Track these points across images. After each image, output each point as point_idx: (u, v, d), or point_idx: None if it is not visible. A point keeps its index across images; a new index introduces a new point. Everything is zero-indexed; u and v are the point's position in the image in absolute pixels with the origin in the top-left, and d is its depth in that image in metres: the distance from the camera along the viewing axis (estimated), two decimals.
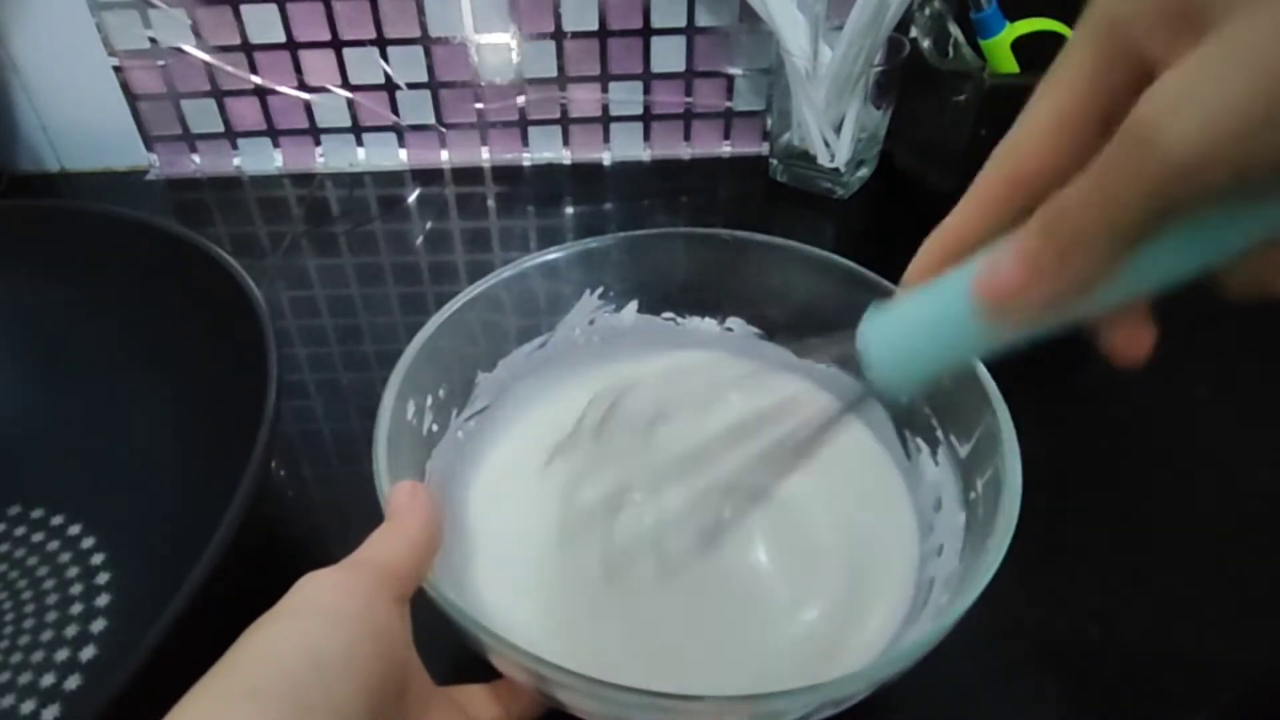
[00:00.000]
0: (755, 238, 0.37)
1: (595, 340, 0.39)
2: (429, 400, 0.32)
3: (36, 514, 0.37)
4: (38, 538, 0.36)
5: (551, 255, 0.36)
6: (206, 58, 0.57)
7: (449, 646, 0.26)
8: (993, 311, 0.19)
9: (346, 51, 0.57)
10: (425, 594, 0.25)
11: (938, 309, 0.22)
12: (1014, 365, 0.33)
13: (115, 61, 0.57)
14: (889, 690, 0.24)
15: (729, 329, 0.39)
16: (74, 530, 0.36)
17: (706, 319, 0.39)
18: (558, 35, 0.57)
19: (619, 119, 0.61)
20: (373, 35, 0.56)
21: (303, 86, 0.58)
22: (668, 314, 0.39)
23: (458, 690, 0.26)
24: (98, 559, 0.35)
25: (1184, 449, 0.39)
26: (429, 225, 0.56)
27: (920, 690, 0.30)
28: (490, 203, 0.59)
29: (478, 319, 0.35)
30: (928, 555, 0.30)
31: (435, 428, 0.33)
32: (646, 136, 0.62)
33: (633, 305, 0.39)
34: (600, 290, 0.38)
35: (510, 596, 0.30)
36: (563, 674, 0.22)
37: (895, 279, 0.34)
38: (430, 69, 0.58)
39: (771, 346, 0.39)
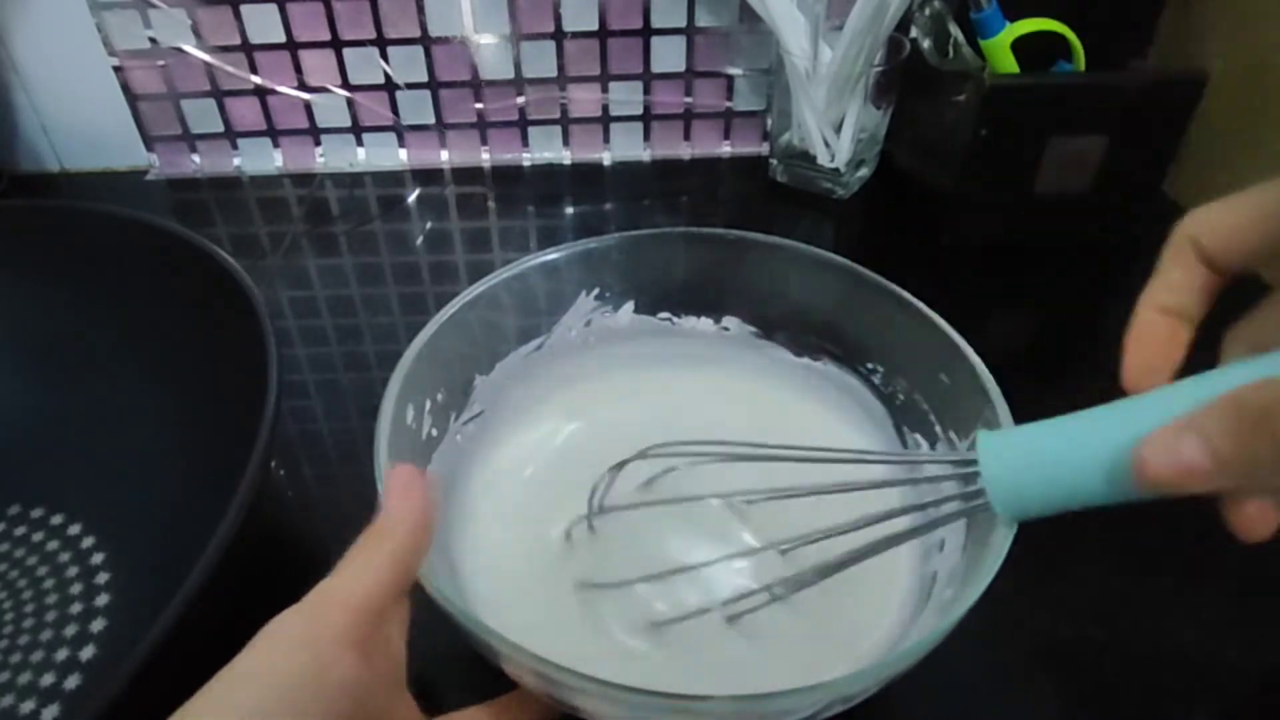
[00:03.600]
0: (750, 236, 0.37)
1: (592, 341, 0.39)
2: (428, 404, 0.32)
3: (36, 514, 0.37)
4: (38, 538, 0.36)
5: (549, 256, 0.36)
6: (206, 58, 0.57)
7: (452, 647, 0.26)
8: (1155, 485, 0.20)
9: (346, 51, 0.57)
10: (435, 603, 0.25)
11: (1077, 456, 0.22)
12: (1012, 361, 0.33)
13: (115, 61, 0.57)
14: (890, 689, 0.24)
15: (725, 329, 0.39)
16: (74, 530, 0.36)
17: (703, 319, 0.39)
18: (558, 35, 0.57)
19: (619, 119, 0.61)
20: (373, 35, 0.56)
21: (303, 86, 0.58)
22: (664, 314, 0.39)
23: (456, 716, 0.26)
24: (98, 559, 0.35)
25: None
26: (429, 225, 0.56)
27: (920, 690, 0.30)
28: (490, 203, 0.59)
29: (476, 321, 0.34)
30: (929, 550, 0.30)
31: (434, 432, 0.33)
32: (646, 136, 0.62)
33: (629, 306, 0.39)
34: (597, 291, 0.38)
35: (513, 600, 0.30)
36: (574, 677, 0.22)
37: (895, 279, 0.35)
38: (430, 69, 0.58)
39: (770, 345, 0.39)
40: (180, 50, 0.56)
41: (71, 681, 0.31)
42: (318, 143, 0.61)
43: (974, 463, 0.24)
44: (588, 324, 0.38)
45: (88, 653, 0.32)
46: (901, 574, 0.31)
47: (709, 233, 0.38)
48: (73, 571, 0.35)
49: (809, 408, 0.37)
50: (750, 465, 0.29)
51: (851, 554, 0.27)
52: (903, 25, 0.51)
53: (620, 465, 0.32)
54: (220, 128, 0.60)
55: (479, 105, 0.60)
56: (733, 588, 0.29)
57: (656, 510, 0.31)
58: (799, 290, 0.37)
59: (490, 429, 0.36)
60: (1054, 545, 0.35)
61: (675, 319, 0.39)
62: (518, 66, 0.58)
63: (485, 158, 0.62)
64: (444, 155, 0.62)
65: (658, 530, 0.31)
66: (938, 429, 0.32)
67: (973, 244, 0.51)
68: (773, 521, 0.30)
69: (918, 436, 0.33)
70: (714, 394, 0.38)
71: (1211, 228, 0.22)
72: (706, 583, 0.30)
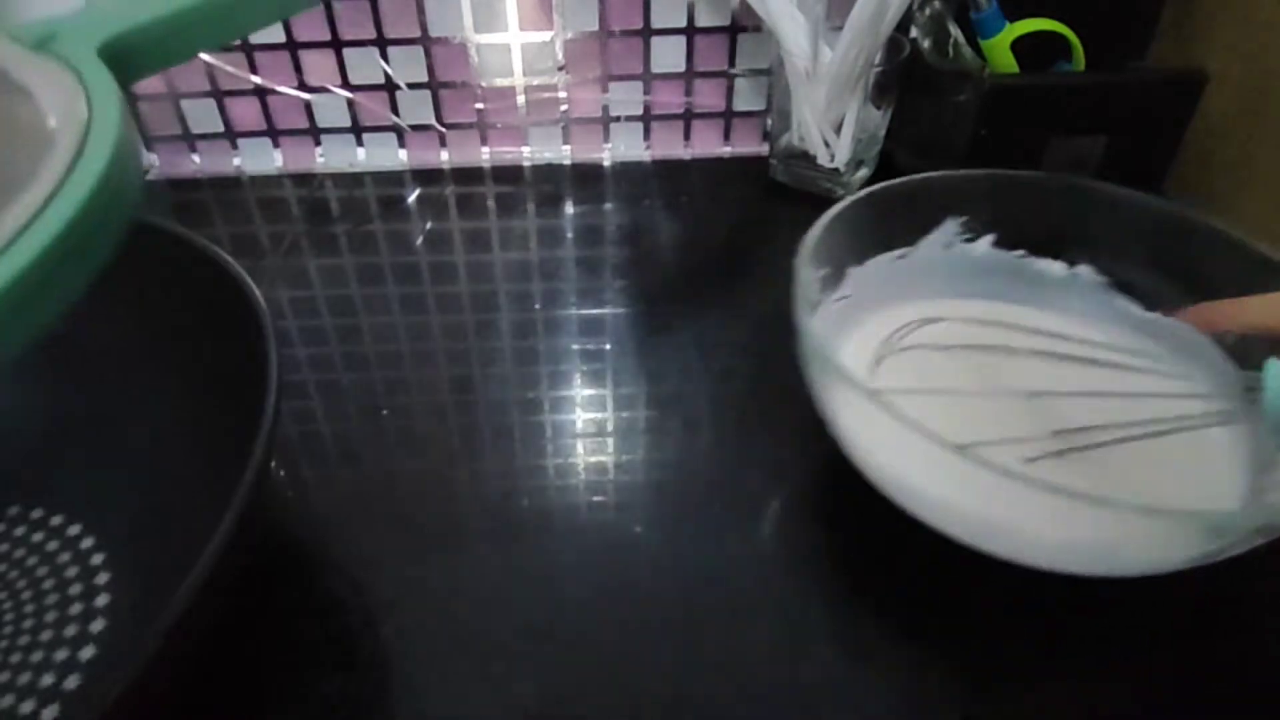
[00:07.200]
0: (1110, 189, 0.39)
1: (949, 263, 0.42)
2: (819, 269, 0.37)
3: (36, 514, 0.37)
4: (37, 538, 0.36)
5: (926, 176, 0.40)
6: (206, 58, 0.57)
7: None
8: None
9: (346, 51, 0.57)
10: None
11: None
12: None
13: None
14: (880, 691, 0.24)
15: (1076, 274, 0.41)
16: (74, 530, 0.36)
17: (1056, 262, 0.41)
18: (558, 35, 0.57)
19: (619, 119, 0.61)
20: (373, 35, 0.56)
21: (303, 86, 0.58)
22: (1020, 251, 0.41)
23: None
24: (97, 559, 0.35)
25: None
26: (429, 225, 0.56)
27: (920, 691, 0.30)
28: (490, 203, 0.59)
29: (860, 218, 0.38)
30: None
31: (817, 295, 0.38)
32: (646, 136, 0.62)
33: (988, 239, 0.41)
34: (964, 220, 0.41)
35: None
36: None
37: None
38: (430, 69, 0.58)
39: (1119, 296, 0.40)
40: None
41: (71, 682, 0.31)
42: (318, 143, 0.61)
43: (1259, 388, 0.29)
44: (947, 247, 0.42)
45: (87, 653, 0.32)
46: None
47: (1075, 180, 0.40)
48: (72, 572, 0.35)
49: (1143, 360, 0.38)
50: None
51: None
52: (903, 25, 0.51)
53: (926, 321, 0.39)
54: (220, 128, 0.60)
55: (479, 105, 0.60)
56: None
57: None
58: (1152, 245, 0.39)
59: (852, 314, 0.40)
60: None
61: (1029, 257, 0.41)
62: (518, 67, 0.58)
63: (485, 158, 0.62)
64: (444, 155, 0.62)
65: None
66: None
67: None
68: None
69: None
70: (1051, 331, 0.39)
71: None
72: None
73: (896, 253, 0.41)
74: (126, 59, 0.22)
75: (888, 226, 0.40)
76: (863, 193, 0.38)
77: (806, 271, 0.35)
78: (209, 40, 0.25)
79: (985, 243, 0.42)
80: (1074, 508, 0.26)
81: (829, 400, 0.33)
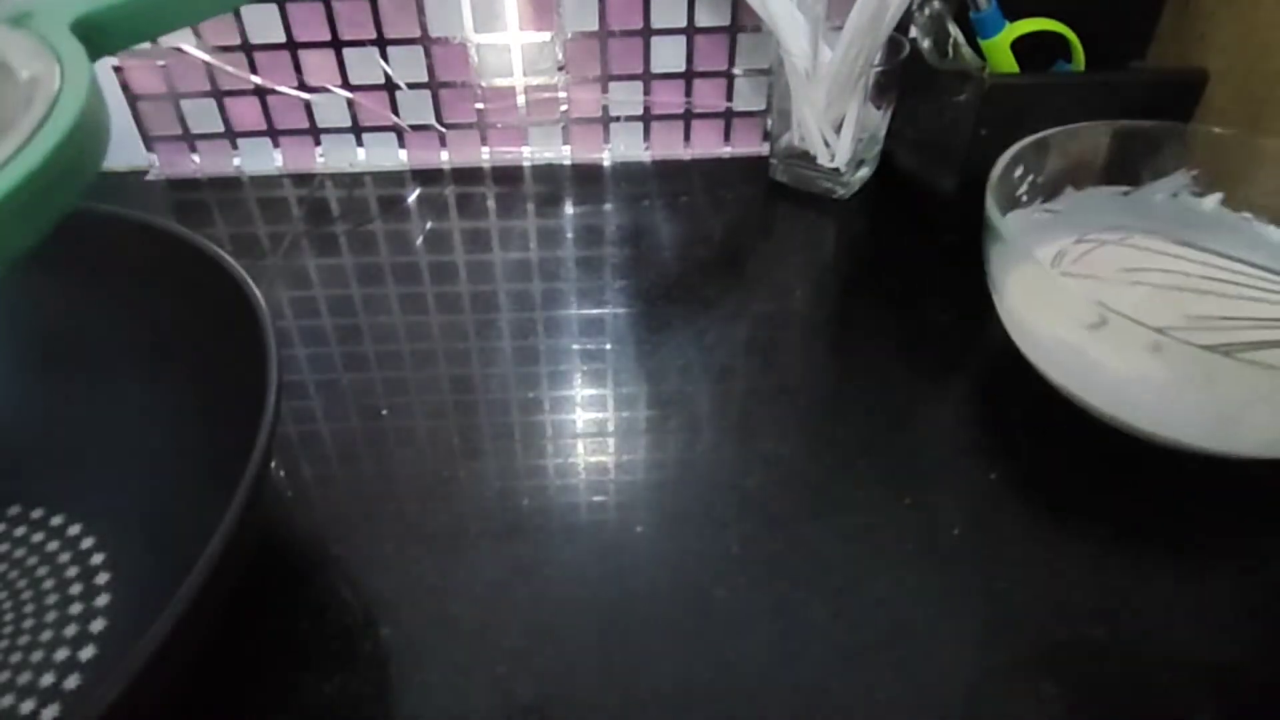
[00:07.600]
0: None
1: (1172, 211, 0.43)
2: (1029, 175, 0.40)
3: (36, 514, 0.37)
4: (37, 538, 0.36)
5: (1175, 124, 0.42)
6: (206, 58, 0.57)
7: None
8: None
9: (346, 51, 0.57)
10: None
11: None
12: None
13: (115, 61, 0.57)
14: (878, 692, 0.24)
15: None
16: (74, 530, 0.36)
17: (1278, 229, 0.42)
18: (558, 35, 0.57)
19: (619, 119, 0.61)
20: (373, 35, 0.56)
21: (303, 86, 0.58)
22: (1247, 214, 0.43)
23: None
24: (97, 559, 0.35)
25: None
26: (429, 225, 0.56)
27: (919, 691, 0.30)
28: (490, 203, 0.59)
29: (1097, 145, 0.41)
30: None
31: (1025, 197, 0.41)
32: (646, 136, 0.62)
33: (1217, 196, 0.43)
34: (1195, 173, 0.43)
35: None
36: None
37: (896, 278, 0.34)
38: (430, 69, 0.58)
39: None
40: (180, 50, 0.56)
41: (71, 681, 0.31)
42: (318, 143, 0.61)
43: None
44: (1174, 195, 0.43)
45: (88, 653, 0.32)
46: None
47: None
48: (73, 571, 0.35)
49: None
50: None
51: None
52: (903, 25, 0.51)
53: (1096, 241, 0.41)
54: (220, 128, 0.60)
55: (479, 105, 0.60)
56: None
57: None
58: None
59: (1054, 225, 0.42)
60: (1054, 544, 0.35)
61: (1254, 219, 0.43)
62: (518, 67, 0.58)
63: (485, 158, 0.62)
64: (444, 155, 0.62)
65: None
66: None
67: (973, 244, 0.51)
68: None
69: None
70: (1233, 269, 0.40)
71: None
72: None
73: (1121, 188, 0.43)
74: (97, 34, 0.24)
75: (1120, 161, 0.42)
76: (1104, 123, 0.41)
77: (1010, 164, 0.38)
78: (175, 20, 0.27)
79: (1213, 199, 0.43)
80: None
81: (999, 277, 0.37)
